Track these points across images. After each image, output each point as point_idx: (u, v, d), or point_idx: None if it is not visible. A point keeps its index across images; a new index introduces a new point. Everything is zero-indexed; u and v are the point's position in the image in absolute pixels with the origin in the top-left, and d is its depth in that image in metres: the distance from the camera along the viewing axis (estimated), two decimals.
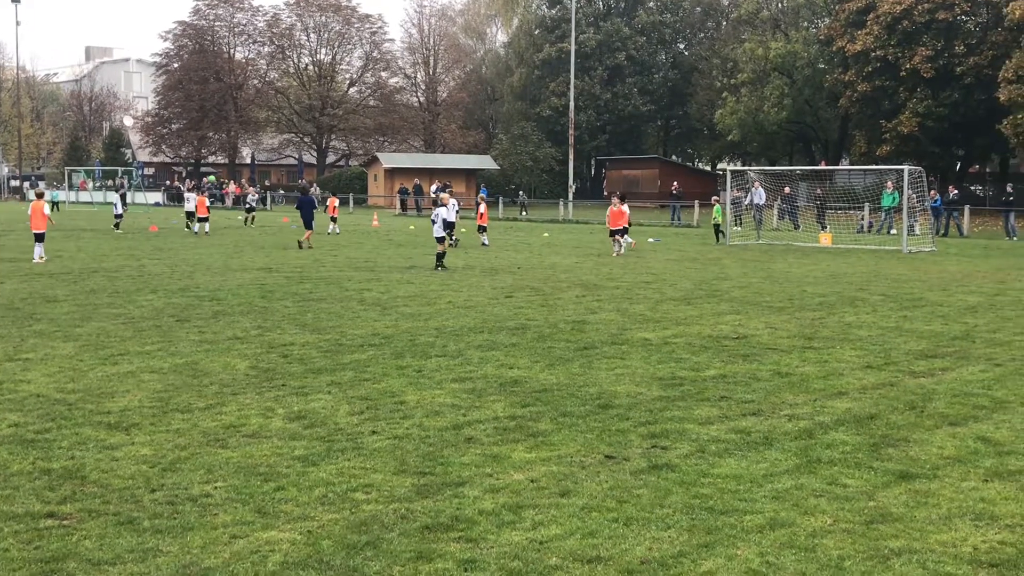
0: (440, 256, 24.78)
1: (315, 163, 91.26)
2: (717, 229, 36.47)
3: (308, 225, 32.84)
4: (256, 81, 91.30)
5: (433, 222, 25.69)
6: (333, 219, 41.30)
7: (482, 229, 34.37)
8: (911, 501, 7.21)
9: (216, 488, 7.38)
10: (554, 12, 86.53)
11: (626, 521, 6.75)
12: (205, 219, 38.71)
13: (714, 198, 38.59)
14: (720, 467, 7.98)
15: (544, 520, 6.76)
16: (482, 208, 34.89)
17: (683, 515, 6.87)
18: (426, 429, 9.07)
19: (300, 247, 31.47)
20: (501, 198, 62.62)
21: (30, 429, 8.96)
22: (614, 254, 29.34)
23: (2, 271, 23.19)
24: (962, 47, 57.13)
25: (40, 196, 28.33)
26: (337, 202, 43.36)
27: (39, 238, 26.47)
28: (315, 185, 52.39)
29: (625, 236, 30.15)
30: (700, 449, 8.49)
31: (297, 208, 33.43)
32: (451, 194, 33.87)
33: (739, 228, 42.09)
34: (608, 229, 30.56)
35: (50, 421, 9.24)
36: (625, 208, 30.14)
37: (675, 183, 58.20)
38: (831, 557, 6.16)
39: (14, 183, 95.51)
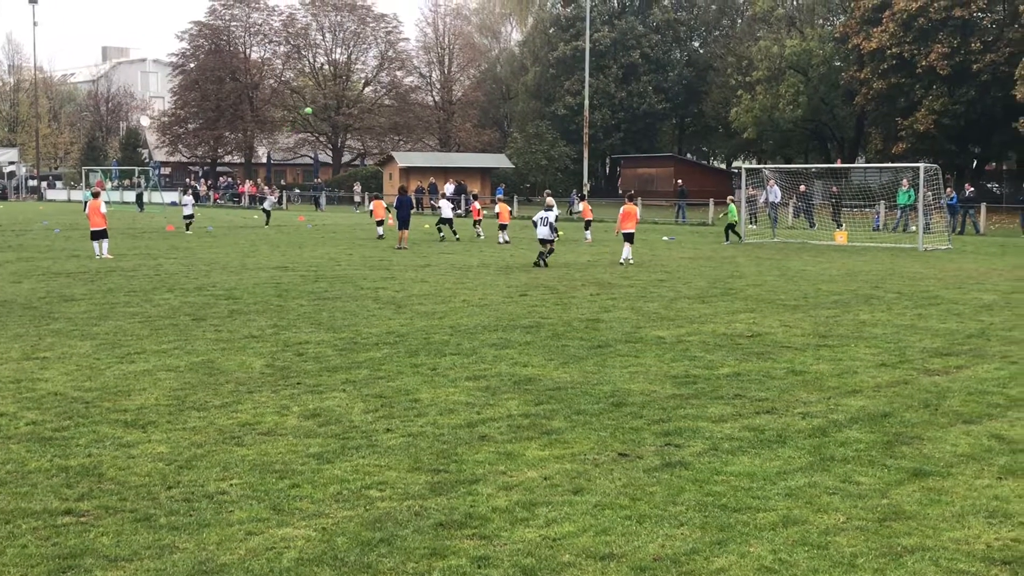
0: (541, 255, 25.40)
1: (331, 162, 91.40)
2: (731, 228, 35.62)
3: (404, 225, 32.20)
4: (272, 81, 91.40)
5: (535, 224, 26.31)
6: (477, 222, 38.51)
7: (502, 227, 35.23)
8: (924, 499, 7.21)
9: (232, 485, 7.44)
10: (569, 11, 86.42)
11: (639, 518, 6.77)
12: (381, 222, 36.93)
13: (729, 197, 38.22)
14: (733, 465, 8.00)
15: (557, 517, 6.79)
16: (497, 208, 36.37)
17: (696, 512, 6.89)
18: (440, 427, 9.11)
19: (398, 248, 31.05)
20: (516, 197, 62.68)
21: (48, 427, 9.04)
22: (631, 261, 26.01)
23: (20, 270, 23.33)
24: (978, 44, 56.83)
25: (97, 195, 28.40)
26: (479, 205, 40.41)
27: (98, 235, 26.63)
28: (457, 183, 49.53)
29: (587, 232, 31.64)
30: (713, 447, 8.50)
31: (395, 208, 33.26)
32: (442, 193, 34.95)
33: (754, 226, 41.99)
34: (623, 232, 26.47)
35: (67, 419, 9.32)
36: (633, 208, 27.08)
37: (678, 180, 58.01)
38: (844, 555, 6.17)
39: (32, 183, 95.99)
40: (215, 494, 7.24)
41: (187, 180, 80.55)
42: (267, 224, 44.82)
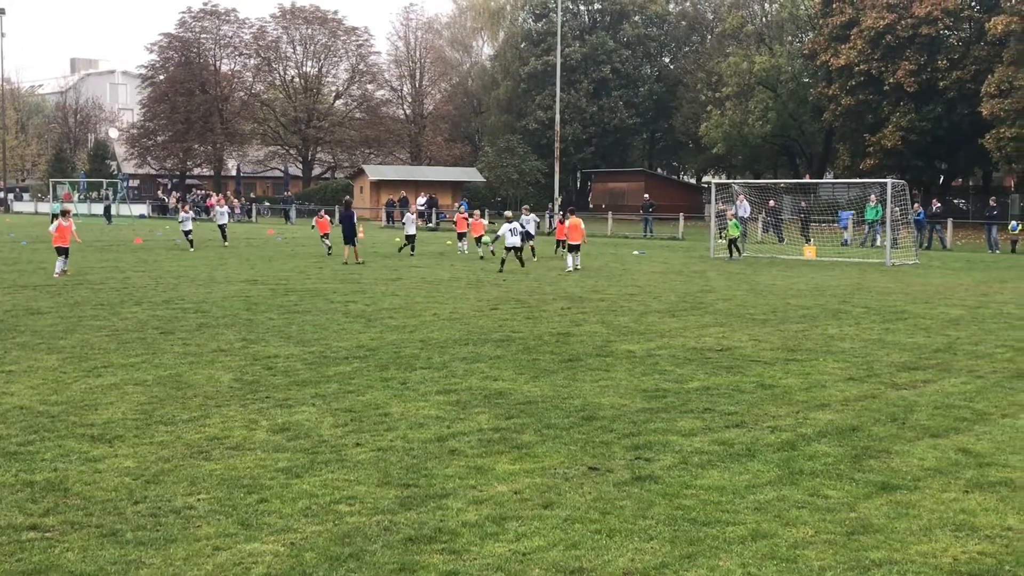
0: (502, 261, 28.77)
1: (301, 175, 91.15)
2: (732, 244, 35.58)
3: (349, 240, 31.49)
4: (242, 93, 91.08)
5: (501, 235, 29.50)
6: (463, 235, 37.16)
7: (462, 236, 37.17)
8: (892, 512, 7.26)
9: (199, 500, 7.38)
10: (540, 26, 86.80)
11: (609, 532, 6.77)
12: (326, 235, 35.69)
13: (729, 213, 37.99)
14: (703, 478, 8.02)
15: (527, 532, 6.78)
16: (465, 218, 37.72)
17: (666, 526, 6.90)
18: (410, 441, 9.08)
19: (346, 263, 30.39)
20: (487, 210, 62.74)
21: (13, 441, 8.94)
22: (579, 268, 28.67)
23: None
24: (945, 62, 57.53)
25: (65, 213, 27.40)
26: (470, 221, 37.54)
27: (61, 252, 25.89)
28: (429, 196, 47.15)
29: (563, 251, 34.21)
30: (683, 461, 8.52)
31: (339, 223, 32.50)
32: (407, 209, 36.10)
33: (723, 240, 42.12)
34: (570, 244, 29.15)
35: (33, 433, 9.22)
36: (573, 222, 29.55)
37: (646, 195, 58.22)
38: (812, 568, 6.20)
39: None
40: (182, 509, 7.18)
41: (186, 195, 79.17)
42: (225, 242, 40.21)
